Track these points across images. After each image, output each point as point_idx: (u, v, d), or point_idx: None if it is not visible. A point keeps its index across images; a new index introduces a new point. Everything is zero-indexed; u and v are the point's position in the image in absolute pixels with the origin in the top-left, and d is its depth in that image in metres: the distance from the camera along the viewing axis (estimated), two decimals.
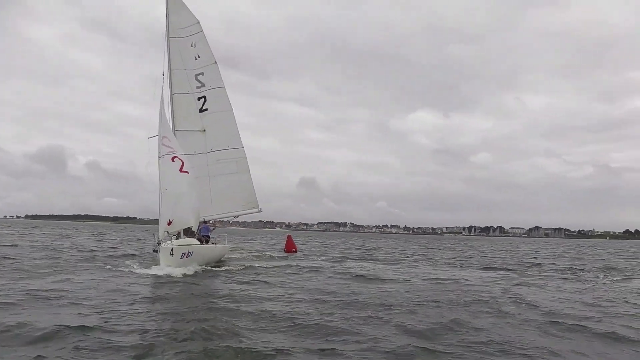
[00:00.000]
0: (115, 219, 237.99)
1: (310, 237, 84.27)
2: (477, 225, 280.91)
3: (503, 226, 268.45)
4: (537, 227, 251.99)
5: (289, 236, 33.21)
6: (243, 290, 13.03)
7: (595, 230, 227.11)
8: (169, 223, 18.12)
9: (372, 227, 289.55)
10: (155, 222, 19.13)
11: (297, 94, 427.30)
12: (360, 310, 10.34)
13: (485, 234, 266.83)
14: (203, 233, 21.50)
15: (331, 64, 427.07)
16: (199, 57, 22.74)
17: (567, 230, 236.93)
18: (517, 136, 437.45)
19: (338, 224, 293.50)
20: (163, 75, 20.75)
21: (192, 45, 22.68)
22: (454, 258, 31.74)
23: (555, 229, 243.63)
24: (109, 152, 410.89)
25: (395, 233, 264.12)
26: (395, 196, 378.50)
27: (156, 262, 17.79)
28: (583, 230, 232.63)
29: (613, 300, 13.12)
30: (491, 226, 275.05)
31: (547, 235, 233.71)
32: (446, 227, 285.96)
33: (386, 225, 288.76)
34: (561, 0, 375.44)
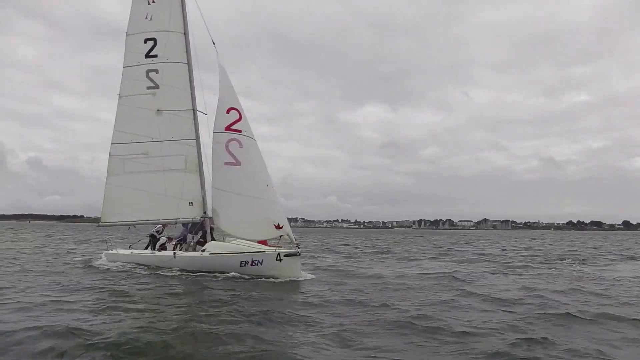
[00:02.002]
0: (61, 218, 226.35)
1: None
2: (426, 218, 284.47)
3: (452, 219, 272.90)
4: (485, 220, 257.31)
5: None
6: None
7: (540, 221, 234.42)
8: (279, 227, 16.70)
9: (323, 222, 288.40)
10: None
11: (242, 87, 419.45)
12: None
13: (434, 227, 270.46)
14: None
15: (278, 56, 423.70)
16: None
17: (514, 222, 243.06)
18: (463, 130, 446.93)
19: (289, 220, 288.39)
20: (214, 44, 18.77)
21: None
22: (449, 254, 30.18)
23: (502, 221, 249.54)
24: (50, 147, 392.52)
25: (346, 228, 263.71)
26: (344, 190, 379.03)
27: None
28: (529, 221, 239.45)
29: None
30: (440, 219, 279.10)
31: (494, 227, 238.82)
32: (396, 221, 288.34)
33: (337, 220, 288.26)
34: None
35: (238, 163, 17.20)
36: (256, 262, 15.72)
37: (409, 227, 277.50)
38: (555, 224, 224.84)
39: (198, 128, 19.01)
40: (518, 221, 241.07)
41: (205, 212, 19.05)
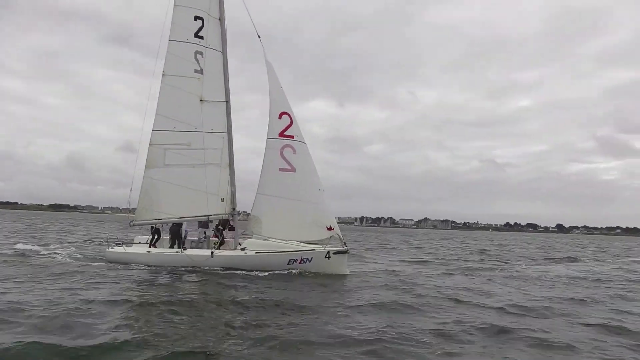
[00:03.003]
0: None
1: None
2: (368, 215, 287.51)
3: (393, 217, 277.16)
4: (425, 219, 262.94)
5: None
6: None
7: (479, 222, 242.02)
8: (330, 229, 17.26)
9: None
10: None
11: None
12: None
13: (376, 225, 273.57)
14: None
15: (228, 46, 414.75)
16: None
17: (454, 222, 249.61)
18: (409, 128, 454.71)
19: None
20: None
21: None
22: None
23: (442, 221, 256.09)
24: None
25: None
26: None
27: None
28: (468, 222, 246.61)
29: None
30: (382, 217, 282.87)
31: (435, 226, 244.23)
32: (339, 218, 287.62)
33: None
34: None
35: (293, 169, 17.57)
36: (305, 259, 16.43)
37: (350, 223, 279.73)
38: (494, 225, 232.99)
39: (231, 121, 18.12)
40: (458, 221, 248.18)
41: (234, 209, 18.50)
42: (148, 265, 16.76)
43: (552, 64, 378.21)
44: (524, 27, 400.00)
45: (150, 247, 18.09)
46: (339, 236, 17.50)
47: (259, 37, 17.82)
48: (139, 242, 18.67)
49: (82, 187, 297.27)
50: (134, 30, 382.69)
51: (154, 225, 18.28)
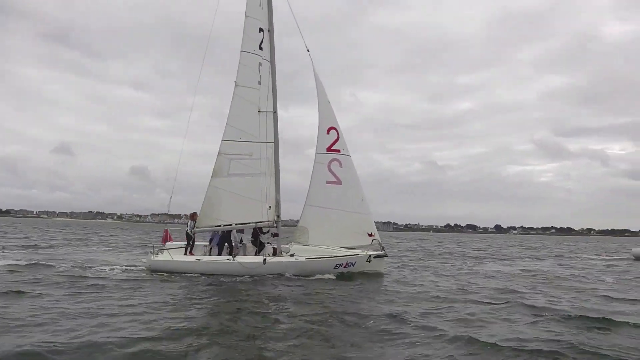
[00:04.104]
0: None
1: (155, 230, 77.55)
2: None
3: None
4: None
5: (166, 230, 31.37)
6: None
7: (420, 224, 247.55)
8: (371, 235, 18.89)
9: None
10: None
11: (132, 78, 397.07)
12: None
13: None
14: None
15: (171, 48, 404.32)
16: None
17: (395, 223, 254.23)
18: (352, 130, 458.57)
19: (173, 216, 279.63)
20: None
21: None
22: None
23: (384, 222, 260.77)
24: None
25: None
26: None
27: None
28: (409, 223, 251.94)
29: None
30: None
31: (377, 228, 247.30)
32: (282, 221, 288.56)
33: None
34: (406, 1, 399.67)
35: (339, 182, 18.90)
36: (350, 264, 17.85)
37: (292, 226, 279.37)
38: (434, 227, 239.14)
39: (277, 131, 18.71)
40: (399, 223, 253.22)
41: (278, 216, 19.20)
42: (197, 274, 16.59)
43: (492, 68, 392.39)
44: (466, 32, 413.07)
45: (185, 253, 18.14)
46: (378, 242, 19.02)
47: (308, 50, 18.39)
48: (172, 249, 18.39)
49: (15, 191, 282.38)
50: (76, 28, 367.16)
51: (189, 232, 18.34)
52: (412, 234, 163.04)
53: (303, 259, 17.55)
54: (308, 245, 18.64)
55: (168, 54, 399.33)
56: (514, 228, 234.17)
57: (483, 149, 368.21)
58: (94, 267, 17.93)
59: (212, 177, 17.46)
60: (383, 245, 19.25)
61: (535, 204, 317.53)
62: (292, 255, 18.18)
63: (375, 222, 19.88)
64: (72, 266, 17.87)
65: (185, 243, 18.40)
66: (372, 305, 11.78)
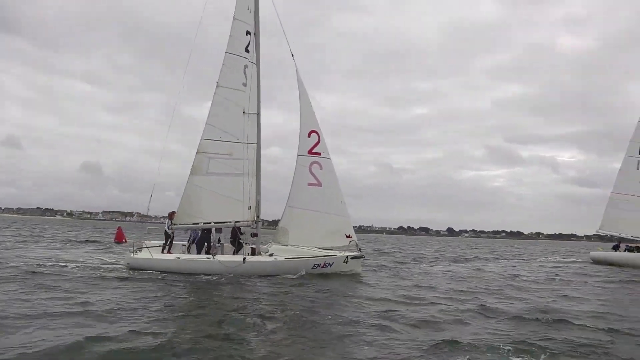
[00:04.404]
0: None
1: (106, 228, 75.89)
2: (266, 219, 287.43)
3: None
4: None
5: (119, 228, 31.82)
6: None
7: (373, 226, 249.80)
8: (349, 236, 19.38)
9: (160, 217, 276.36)
10: None
11: (85, 71, 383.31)
12: None
13: (272, 228, 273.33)
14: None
15: (127, 42, 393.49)
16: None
17: None
18: None
19: (124, 214, 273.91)
20: None
21: None
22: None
23: None
24: None
25: None
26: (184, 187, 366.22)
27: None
28: (363, 225, 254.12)
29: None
30: (278, 219, 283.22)
31: None
32: (235, 221, 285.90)
33: None
34: (367, 7, 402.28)
35: (320, 184, 19.46)
36: (328, 264, 18.42)
37: (246, 227, 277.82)
38: (387, 229, 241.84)
39: (260, 132, 19.07)
40: (353, 224, 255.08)
41: (258, 216, 19.53)
42: (177, 272, 16.58)
43: (448, 75, 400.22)
44: (424, 39, 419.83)
45: (163, 251, 18.18)
46: (355, 243, 19.59)
47: (292, 55, 18.79)
48: (152, 247, 18.14)
49: None
50: (27, 18, 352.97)
51: (167, 230, 18.42)
52: (366, 236, 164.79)
53: (282, 258, 17.89)
54: (287, 246, 19.15)
55: (121, 48, 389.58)
56: (465, 231, 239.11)
57: (437, 154, 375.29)
58: (49, 264, 17.56)
59: (190, 174, 17.61)
60: (360, 247, 19.90)
61: (486, 208, 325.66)
62: (271, 255, 18.55)
63: None
64: (24, 264, 17.18)
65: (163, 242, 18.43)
66: (336, 306, 11.95)
